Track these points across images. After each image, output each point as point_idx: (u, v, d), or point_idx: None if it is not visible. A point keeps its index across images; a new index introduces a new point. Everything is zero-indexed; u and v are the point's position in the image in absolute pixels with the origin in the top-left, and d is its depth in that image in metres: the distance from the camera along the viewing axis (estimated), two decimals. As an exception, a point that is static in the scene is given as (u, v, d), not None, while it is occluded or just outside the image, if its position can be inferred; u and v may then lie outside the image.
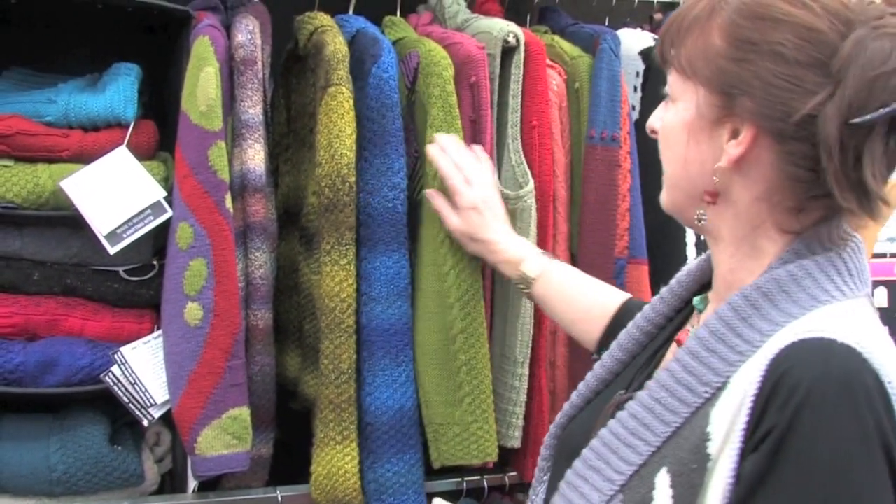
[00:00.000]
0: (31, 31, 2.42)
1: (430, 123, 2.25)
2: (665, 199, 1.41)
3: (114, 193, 2.18)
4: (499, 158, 2.35)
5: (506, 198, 2.29)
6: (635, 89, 2.61)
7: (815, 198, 1.27)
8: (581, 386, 1.52)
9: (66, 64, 2.40)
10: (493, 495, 2.50)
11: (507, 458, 2.45)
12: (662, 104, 1.40)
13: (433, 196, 2.19)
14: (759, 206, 1.30)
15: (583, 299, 1.99)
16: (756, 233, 1.31)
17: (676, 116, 1.33)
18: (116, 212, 2.18)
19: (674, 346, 1.45)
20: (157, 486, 2.36)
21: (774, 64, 1.22)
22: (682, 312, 1.51)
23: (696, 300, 1.46)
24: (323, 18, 2.34)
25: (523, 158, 2.32)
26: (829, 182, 1.22)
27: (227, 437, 2.18)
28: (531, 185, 2.30)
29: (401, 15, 2.54)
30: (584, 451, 1.32)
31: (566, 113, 2.44)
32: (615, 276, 2.40)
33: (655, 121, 1.40)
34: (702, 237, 2.53)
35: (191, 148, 2.16)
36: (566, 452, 1.42)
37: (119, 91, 2.24)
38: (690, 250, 2.54)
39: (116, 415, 2.32)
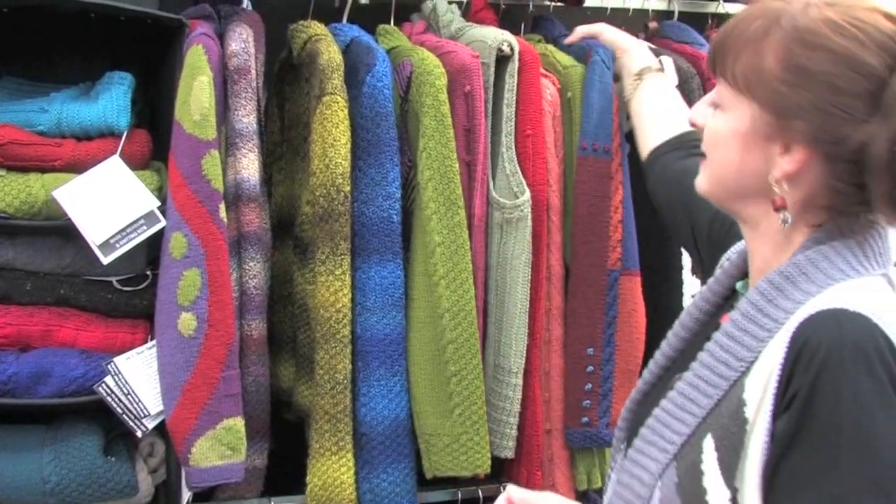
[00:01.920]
0: (24, 40, 2.41)
1: (422, 133, 2.24)
2: (705, 187, 1.49)
3: (107, 203, 2.17)
4: (493, 168, 2.35)
5: (501, 207, 2.29)
6: (631, 98, 2.60)
7: (852, 204, 1.37)
8: (651, 364, 1.63)
9: (58, 73, 2.39)
10: (487, 506, 2.50)
11: (502, 467, 2.45)
12: (706, 103, 1.48)
13: None
14: (796, 207, 1.39)
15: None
16: (789, 228, 1.42)
17: (727, 125, 1.41)
18: (110, 222, 2.17)
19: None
20: (151, 498, 2.35)
21: (829, 93, 1.30)
22: (733, 296, 1.61)
23: (738, 285, 1.57)
24: (317, 27, 2.34)
25: (518, 168, 2.32)
26: (874, 202, 1.33)
27: (221, 447, 2.17)
28: (527, 194, 2.30)
29: (395, 23, 2.54)
30: (642, 429, 1.47)
31: (559, 122, 2.43)
32: (608, 288, 2.40)
33: (699, 117, 1.48)
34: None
35: (184, 157, 2.15)
36: (638, 427, 1.53)
37: (112, 100, 2.23)
38: (686, 259, 2.54)
39: (110, 425, 2.31)
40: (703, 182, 1.49)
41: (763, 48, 1.35)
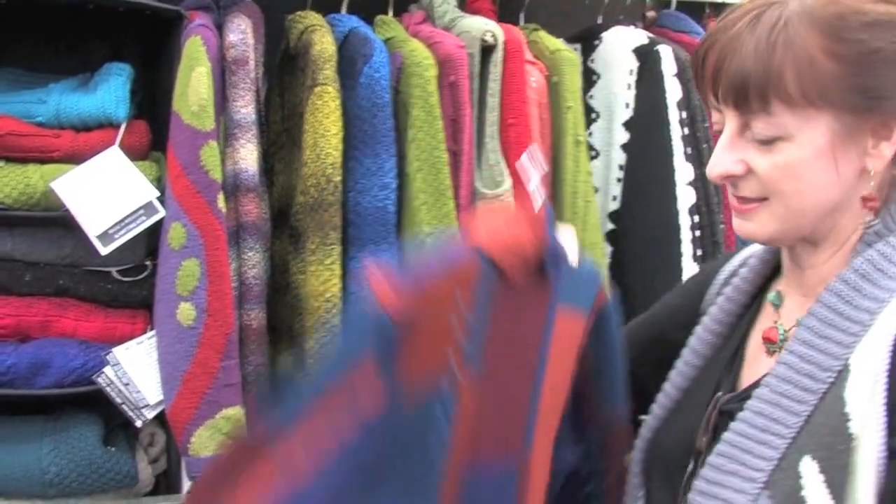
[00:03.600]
0: (22, 31, 2.41)
1: (410, 123, 2.25)
2: (770, 231, 1.34)
3: (106, 194, 2.18)
4: (478, 158, 2.35)
5: (483, 197, 2.29)
6: (629, 86, 2.60)
7: None
8: (661, 398, 1.51)
9: (57, 64, 2.39)
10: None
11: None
12: (732, 150, 1.31)
13: None
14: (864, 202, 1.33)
15: None
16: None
17: (803, 151, 1.27)
18: (108, 212, 2.18)
19: (758, 341, 1.43)
20: (152, 487, 2.36)
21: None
22: (749, 310, 1.50)
23: (771, 296, 1.45)
24: (313, 18, 2.34)
25: (501, 157, 2.33)
26: None
27: (221, 436, 2.18)
28: (508, 183, 2.31)
29: (394, 14, 2.54)
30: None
31: (546, 108, 2.43)
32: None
33: (734, 167, 1.30)
34: (699, 252, 2.52)
35: (182, 148, 2.16)
36: (663, 464, 1.44)
37: (111, 91, 2.24)
38: (687, 262, 2.52)
39: (110, 416, 2.32)
40: (765, 227, 1.34)
41: (802, 53, 1.24)
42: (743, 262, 1.53)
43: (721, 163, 1.30)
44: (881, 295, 1.27)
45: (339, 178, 2.19)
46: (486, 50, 2.34)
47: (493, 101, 2.33)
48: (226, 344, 2.17)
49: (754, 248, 1.51)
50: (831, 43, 1.24)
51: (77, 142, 2.23)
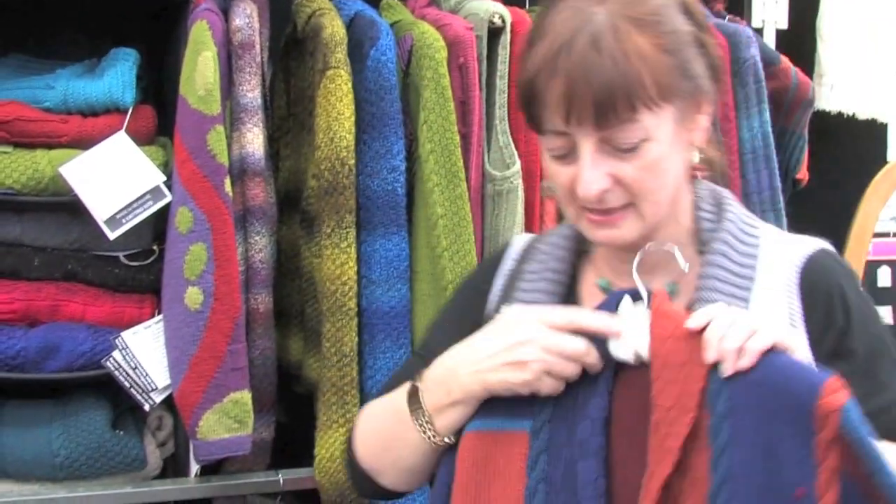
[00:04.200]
0: (29, 17, 2.42)
1: (422, 106, 2.25)
2: (637, 229, 1.38)
3: (113, 179, 2.19)
4: (488, 140, 2.36)
5: (492, 179, 2.30)
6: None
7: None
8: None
9: (64, 50, 2.40)
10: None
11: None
12: (596, 166, 1.33)
13: None
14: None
15: None
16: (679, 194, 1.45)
17: (662, 145, 1.34)
18: (116, 197, 2.19)
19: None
20: (160, 471, 2.38)
21: (694, 41, 1.37)
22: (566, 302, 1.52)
23: (601, 282, 1.47)
24: (321, 1, 2.34)
25: (510, 139, 2.34)
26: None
27: (228, 420, 2.19)
28: (517, 165, 2.31)
29: (400, -3, 2.54)
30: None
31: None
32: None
33: (603, 182, 1.33)
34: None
35: (189, 132, 2.17)
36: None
37: (117, 76, 2.25)
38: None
39: (118, 400, 2.34)
40: (633, 229, 1.38)
41: (646, 58, 1.30)
42: (521, 259, 1.56)
43: (593, 181, 1.33)
44: (754, 242, 1.43)
45: (353, 162, 2.20)
46: (494, 32, 2.34)
47: (501, 83, 2.33)
48: (233, 328, 2.17)
49: (522, 242, 1.59)
50: (656, 38, 1.32)
51: (84, 127, 2.24)
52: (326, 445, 2.26)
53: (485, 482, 1.35)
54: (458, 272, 2.24)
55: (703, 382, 1.22)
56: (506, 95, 2.34)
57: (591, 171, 1.33)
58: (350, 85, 2.20)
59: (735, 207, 1.47)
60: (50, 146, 2.22)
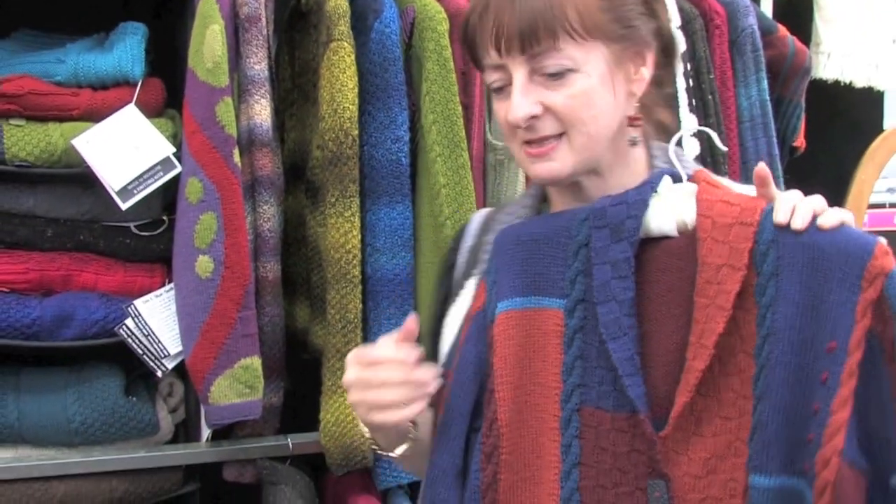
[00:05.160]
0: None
1: (425, 77, 2.28)
2: (570, 164, 1.42)
3: (124, 150, 2.22)
4: (488, 111, 2.38)
5: (494, 149, 2.32)
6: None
7: (657, 103, 1.49)
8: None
9: (73, 24, 2.42)
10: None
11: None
12: (527, 93, 1.39)
13: None
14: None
15: None
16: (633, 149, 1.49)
17: (590, 80, 1.39)
18: (127, 168, 2.22)
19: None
20: (172, 436, 2.42)
21: None
22: None
23: None
24: (325, -26, 2.36)
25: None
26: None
27: (239, 385, 2.23)
28: None
29: (402, -30, 2.56)
30: None
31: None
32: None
33: (531, 108, 1.39)
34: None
35: (198, 104, 2.20)
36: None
37: (126, 50, 2.28)
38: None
39: (131, 367, 2.37)
40: (567, 162, 1.42)
41: None
42: (481, 231, 1.61)
43: (522, 105, 1.39)
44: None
45: (356, 132, 2.22)
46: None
47: (503, 53, 2.36)
48: (243, 295, 2.21)
49: (481, 217, 1.63)
50: None
51: (95, 100, 2.27)
52: (332, 410, 2.29)
53: (526, 358, 1.39)
54: (460, 240, 2.27)
55: (751, 243, 1.27)
56: (507, 65, 2.36)
57: (521, 98, 1.39)
58: (353, 57, 2.23)
59: (690, 163, 1.49)
60: (62, 119, 2.25)
